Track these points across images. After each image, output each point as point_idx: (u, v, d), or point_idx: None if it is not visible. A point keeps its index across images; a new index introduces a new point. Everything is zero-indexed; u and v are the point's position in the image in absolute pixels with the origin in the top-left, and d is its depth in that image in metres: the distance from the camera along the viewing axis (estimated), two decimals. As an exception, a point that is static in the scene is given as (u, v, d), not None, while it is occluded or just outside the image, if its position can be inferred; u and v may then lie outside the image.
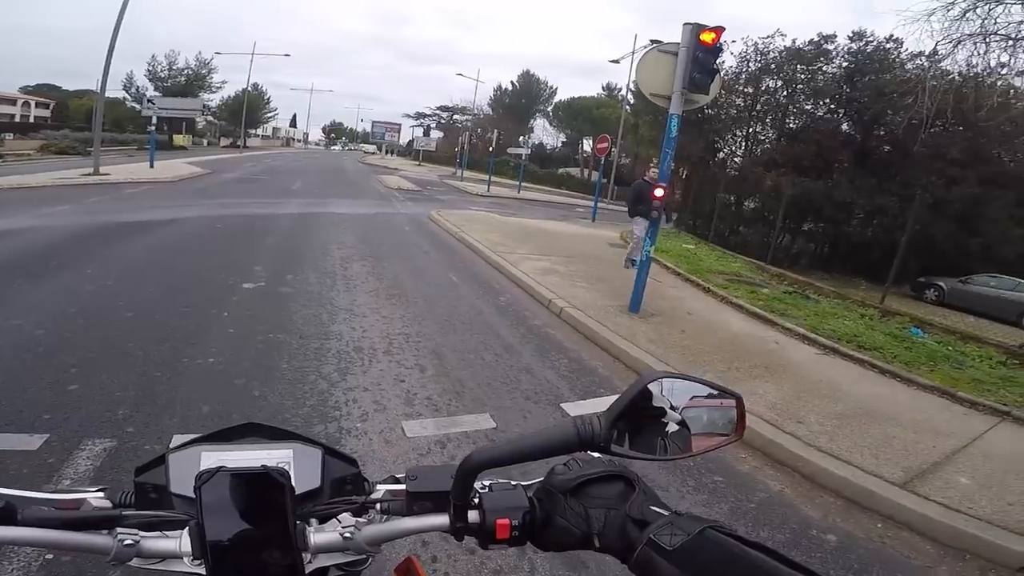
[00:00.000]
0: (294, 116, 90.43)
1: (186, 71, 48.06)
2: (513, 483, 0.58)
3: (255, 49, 49.50)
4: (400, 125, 68.17)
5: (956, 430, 3.82)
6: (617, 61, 35.75)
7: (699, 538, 0.46)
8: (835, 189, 14.89)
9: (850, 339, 5.78)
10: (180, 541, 0.50)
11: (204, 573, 0.49)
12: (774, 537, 2.56)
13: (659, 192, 5.60)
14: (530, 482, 0.59)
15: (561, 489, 0.55)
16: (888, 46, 15.70)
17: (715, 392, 0.59)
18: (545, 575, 2.09)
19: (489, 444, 0.57)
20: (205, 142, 50.93)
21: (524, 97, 52.54)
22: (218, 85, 51.50)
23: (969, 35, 6.97)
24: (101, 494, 0.56)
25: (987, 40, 6.86)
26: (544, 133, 54.04)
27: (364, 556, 0.58)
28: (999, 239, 13.90)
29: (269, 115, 64.66)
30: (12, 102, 50.78)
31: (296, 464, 0.58)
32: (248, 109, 51.09)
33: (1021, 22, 6.57)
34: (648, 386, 0.54)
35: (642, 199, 7.89)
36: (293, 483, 0.52)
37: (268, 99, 61.93)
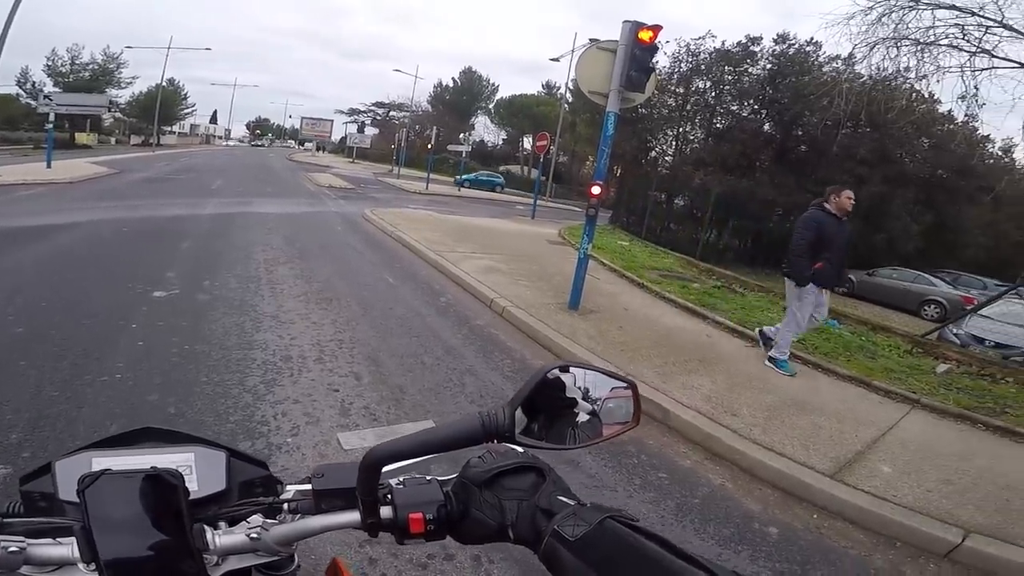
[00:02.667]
0: (214, 112, 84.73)
1: (91, 66, 44.48)
2: (428, 477, 0.59)
3: (172, 43, 45.97)
4: (332, 121, 65.97)
5: (874, 419, 4.04)
6: (557, 59, 36.20)
7: (599, 528, 0.47)
8: (758, 187, 15.77)
9: None
10: (72, 547, 0.48)
11: None
12: (720, 532, 2.59)
13: (595, 190, 5.62)
14: (447, 477, 0.59)
15: (475, 481, 0.56)
16: (809, 49, 16.77)
17: (613, 380, 0.60)
18: (493, 594, 1.99)
19: (394, 439, 0.53)
20: (113, 140, 47.19)
21: (466, 94, 52.12)
22: (128, 81, 48.03)
23: (883, 39, 7.48)
24: None
25: (898, 44, 7.39)
26: (485, 131, 54.14)
27: (290, 559, 0.59)
28: (900, 235, 15.24)
29: (186, 111, 60.56)
30: None
31: (198, 467, 0.57)
32: (163, 105, 47.73)
33: (930, 27, 7.12)
34: (561, 377, 0.56)
35: (826, 241, 4.59)
36: (195, 486, 0.53)
37: (185, 95, 58.17)
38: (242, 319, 4.42)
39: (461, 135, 33.88)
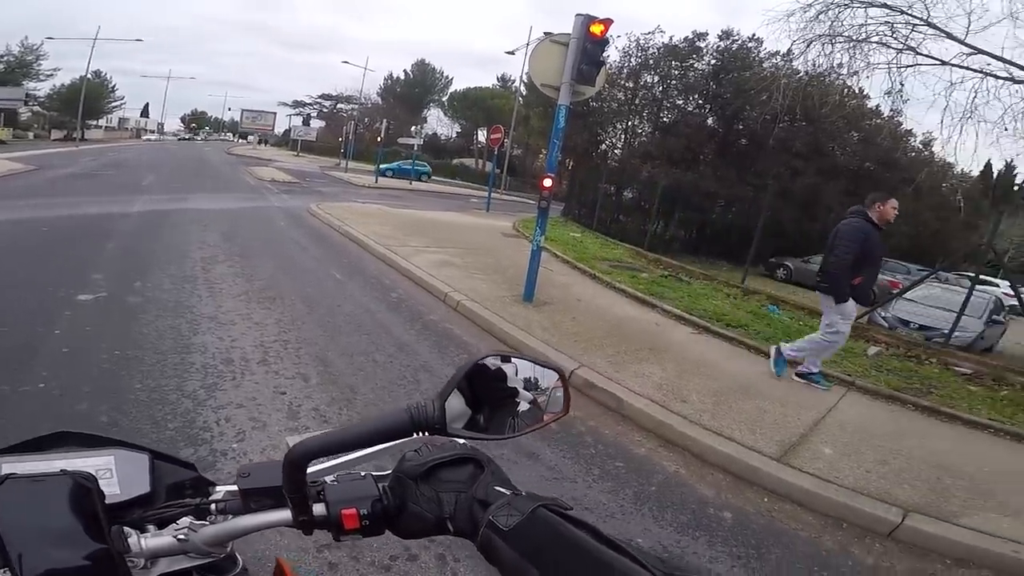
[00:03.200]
0: (146, 105, 79.36)
1: (6, 58, 41.16)
2: (363, 472, 0.58)
3: (99, 34, 42.71)
4: (275, 114, 62.72)
5: (814, 402, 4.23)
6: (512, 52, 35.72)
7: (531, 518, 0.47)
8: (701, 180, 16.30)
9: (719, 318, 6.27)
10: None
11: None
12: (678, 519, 2.65)
13: (547, 182, 5.64)
14: (382, 472, 0.59)
15: (411, 475, 0.56)
16: (750, 45, 17.39)
17: (541, 367, 0.61)
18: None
19: (318, 433, 0.52)
20: (31, 135, 43.73)
21: (418, 87, 51.52)
22: (48, 73, 44.81)
23: (819, 36, 7.84)
24: None
25: (833, 41, 7.77)
26: (439, 124, 53.54)
27: (232, 561, 0.59)
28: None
29: (114, 104, 56.82)
30: None
31: (119, 470, 0.56)
32: (88, 98, 44.39)
33: (862, 25, 7.50)
34: (502, 367, 0.57)
35: (867, 254, 4.26)
36: (117, 489, 0.53)
37: (113, 87, 54.67)
38: (178, 321, 4.15)
39: (413, 128, 33.21)
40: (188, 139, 72.34)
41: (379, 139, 26.95)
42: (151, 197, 11.55)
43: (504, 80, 48.97)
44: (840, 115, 11.37)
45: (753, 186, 15.57)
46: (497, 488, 0.53)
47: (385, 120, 29.98)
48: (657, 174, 16.00)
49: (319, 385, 3.45)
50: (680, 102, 18.93)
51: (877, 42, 7.54)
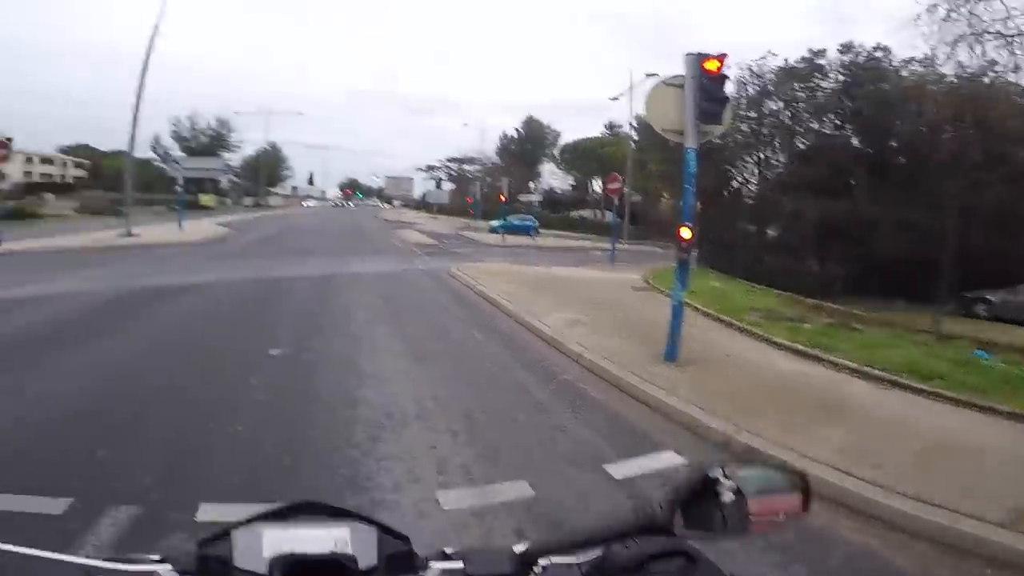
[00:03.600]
0: (311, 174, 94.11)
1: (208, 131, 50.32)
2: (569, 562, 0.59)
3: (270, 109, 52.11)
4: (413, 179, 69.86)
5: None
6: (616, 98, 36.13)
7: None
8: (856, 207, 14.57)
9: (910, 369, 5.35)
10: None
11: None
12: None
13: (685, 233, 5.39)
14: (584, 560, 0.59)
15: (621, 568, 0.56)
16: (878, 55, 15.76)
17: (776, 471, 0.61)
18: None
19: (548, 537, 0.58)
20: (229, 201, 52.41)
21: (530, 143, 53.15)
22: (237, 145, 53.72)
23: (962, 36, 6.93)
24: (168, 564, 0.58)
25: (980, 40, 6.82)
26: (553, 177, 54.43)
27: None
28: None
29: (287, 173, 66.93)
30: (51, 162, 53.63)
31: (353, 543, 0.60)
32: (266, 168, 52.78)
33: (1006, 18, 6.51)
34: (710, 474, 0.56)
35: None
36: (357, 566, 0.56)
37: (285, 158, 64.15)
38: (347, 377, 4.71)
39: (530, 184, 34.64)
40: (343, 206, 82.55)
41: (502, 198, 28.60)
42: (321, 260, 13.57)
43: (612, 127, 48.59)
44: (1012, 115, 9.63)
45: (925, 208, 13.48)
46: None
47: (505, 179, 31.69)
48: (802, 206, 14.66)
49: (466, 442, 3.59)
50: (814, 125, 17.43)
51: None
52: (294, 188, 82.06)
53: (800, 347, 6.25)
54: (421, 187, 68.21)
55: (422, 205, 63.19)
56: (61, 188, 45.69)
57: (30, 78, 78.91)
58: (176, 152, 42.76)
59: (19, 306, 6.80)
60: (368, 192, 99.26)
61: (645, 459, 3.50)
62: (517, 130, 54.52)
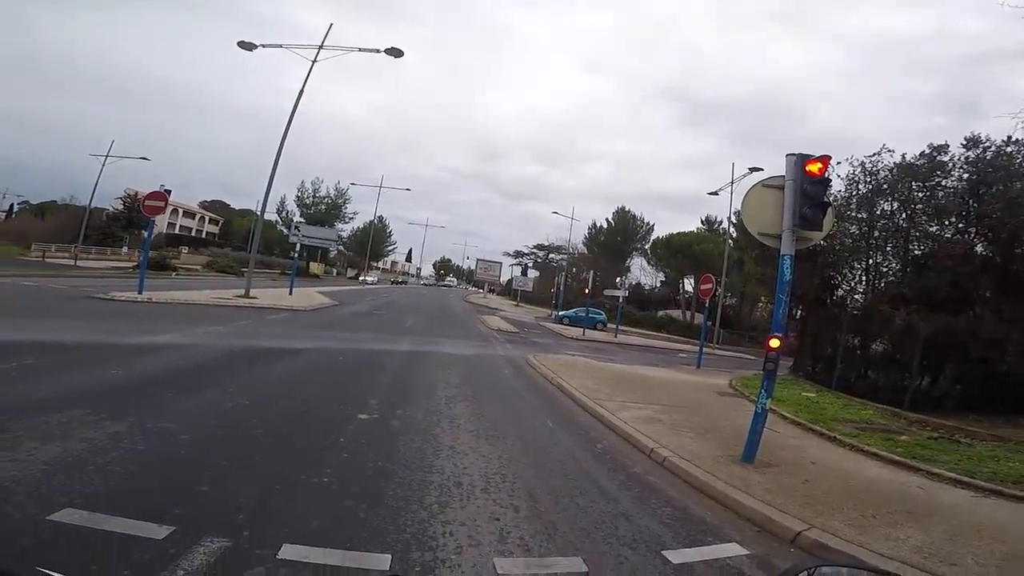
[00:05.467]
0: (410, 251, 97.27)
1: (326, 199, 51.98)
2: None
3: (382, 182, 52.30)
4: (501, 264, 71.41)
5: None
6: (716, 192, 34.99)
7: None
8: (979, 323, 13.13)
9: (1017, 480, 4.89)
10: None
11: None
12: None
13: (774, 343, 5.19)
14: None
15: None
16: (1010, 149, 14.26)
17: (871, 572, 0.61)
18: None
19: None
20: (335, 272, 53.57)
21: (619, 235, 51.78)
22: (351, 216, 55.52)
23: None
24: None
25: None
26: (642, 272, 52.77)
27: None
28: None
29: (390, 248, 68.78)
30: (192, 216, 57.77)
31: None
32: (373, 242, 53.91)
33: None
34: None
35: None
36: None
37: (390, 232, 66.01)
38: (425, 446, 5.06)
39: (618, 279, 34.52)
40: (435, 285, 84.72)
41: (586, 291, 28.87)
42: (412, 338, 14.47)
43: (709, 223, 46.74)
44: None
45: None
46: None
47: (591, 271, 32.03)
48: (914, 320, 13.42)
49: (526, 517, 3.75)
50: (932, 228, 15.62)
51: None
52: (392, 264, 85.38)
53: (895, 457, 5.81)
54: (508, 271, 69.41)
55: (507, 291, 64.34)
56: (196, 242, 48.86)
57: (183, 130, 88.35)
58: (297, 218, 45.00)
59: (147, 352, 7.82)
60: (459, 273, 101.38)
61: (707, 548, 3.47)
62: (608, 220, 53.40)
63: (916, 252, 15.95)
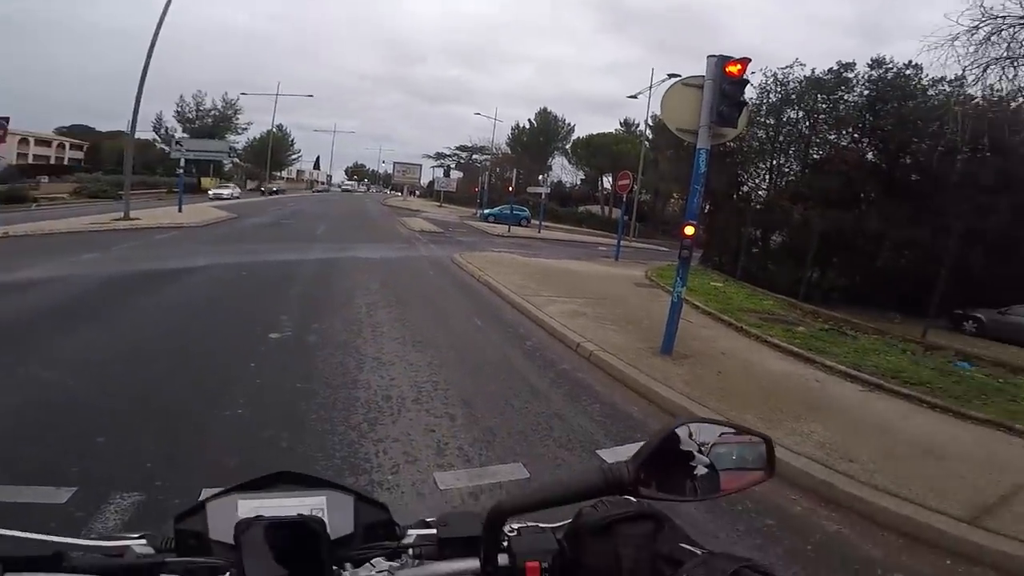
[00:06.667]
0: (317, 158, 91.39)
1: (212, 112, 48.57)
2: (542, 526, 0.60)
3: (279, 89, 49.37)
4: (421, 166, 68.84)
5: (1020, 464, 3.64)
6: (635, 96, 35.49)
7: None
8: (865, 220, 14.58)
9: (895, 375, 5.55)
10: None
11: None
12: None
13: (688, 230, 5.51)
14: (558, 524, 0.60)
15: (590, 530, 0.56)
16: (908, 72, 15.64)
17: (742, 433, 0.59)
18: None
19: (517, 492, 0.58)
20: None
21: (542, 135, 51.89)
22: (244, 127, 51.89)
23: (996, 59, 6.92)
24: (143, 540, 0.59)
25: (1015, 64, 6.80)
26: (563, 171, 53.40)
27: None
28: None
29: (294, 157, 64.94)
30: (48, 143, 51.54)
31: (329, 511, 0.60)
32: (273, 151, 50.94)
33: None
34: (676, 430, 0.55)
35: None
36: (328, 530, 0.56)
37: (292, 141, 61.95)
38: (347, 360, 4.76)
39: (540, 176, 34.31)
40: (350, 191, 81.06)
41: (510, 188, 28.43)
42: (324, 245, 13.55)
43: (628, 124, 47.66)
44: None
45: (930, 227, 13.52)
46: (684, 546, 0.52)
47: (515, 170, 31.48)
48: (811, 216, 14.67)
49: (463, 425, 3.69)
50: (832, 137, 17.34)
51: None
52: (298, 172, 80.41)
53: (795, 349, 6.37)
54: (429, 173, 67.12)
55: (428, 193, 62.39)
56: (57, 170, 43.86)
57: (30, 58, 76.00)
58: (179, 133, 41.34)
59: (11, 291, 6.53)
60: (374, 178, 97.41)
61: (636, 445, 3.60)
62: (530, 121, 53.41)
63: (815, 156, 17.55)
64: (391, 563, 0.59)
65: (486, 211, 32.53)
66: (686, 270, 5.69)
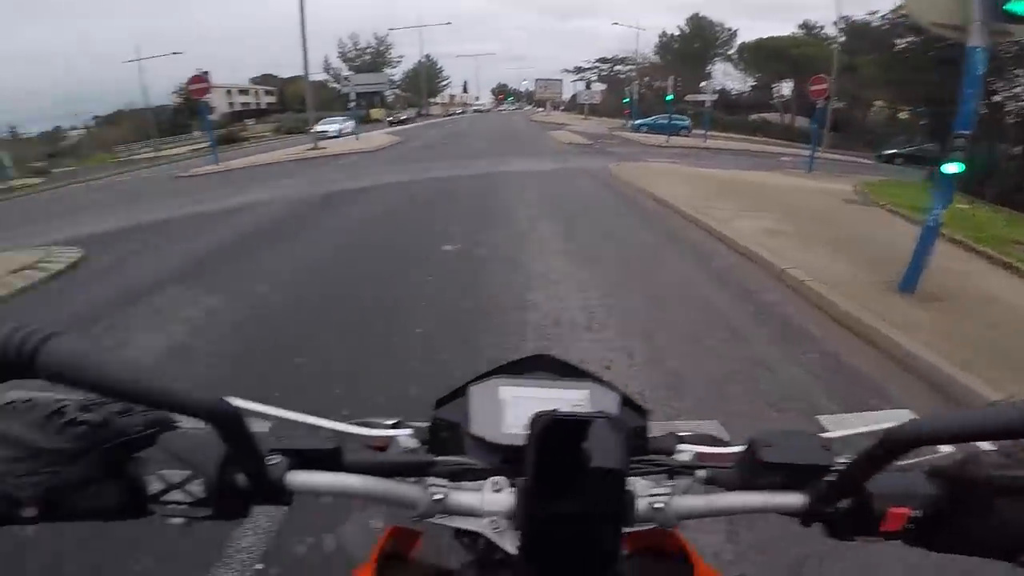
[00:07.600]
0: (465, 83, 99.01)
1: (369, 50, 54.65)
2: (904, 462, 0.43)
3: (421, 22, 54.99)
4: (561, 81, 67.87)
5: None
6: None
7: None
8: None
9: None
10: (483, 497, 0.42)
11: (500, 538, 0.41)
12: None
13: (959, 142, 3.94)
14: (920, 459, 0.43)
15: (995, 483, 0.39)
16: None
17: None
18: None
19: (925, 418, 0.35)
20: (396, 115, 57.71)
21: (697, 42, 48.30)
22: (396, 60, 57.72)
23: None
24: (409, 431, 0.51)
25: None
26: (727, 78, 48.39)
27: None
28: None
29: (443, 83, 71.14)
30: (246, 92, 62.61)
31: (593, 406, 0.49)
32: (425, 80, 56.24)
33: None
34: None
35: None
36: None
37: (440, 68, 67.81)
38: (514, 276, 4.52)
39: (701, 84, 30.38)
40: (510, 109, 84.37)
41: (670, 92, 25.32)
42: (482, 162, 13.60)
43: (808, 27, 41.04)
44: None
45: None
46: None
47: (672, 77, 27.94)
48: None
49: (643, 364, 3.09)
50: None
51: None
52: (451, 97, 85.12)
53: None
54: (570, 88, 65.62)
55: (572, 107, 60.85)
56: (258, 114, 54.35)
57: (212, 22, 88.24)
58: (345, 72, 47.76)
59: (236, 213, 8.01)
60: (518, 96, 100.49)
61: (870, 415, 2.66)
62: (680, 28, 49.78)
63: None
64: (671, 483, 0.44)
65: (638, 121, 29.91)
66: (950, 190, 4.19)
